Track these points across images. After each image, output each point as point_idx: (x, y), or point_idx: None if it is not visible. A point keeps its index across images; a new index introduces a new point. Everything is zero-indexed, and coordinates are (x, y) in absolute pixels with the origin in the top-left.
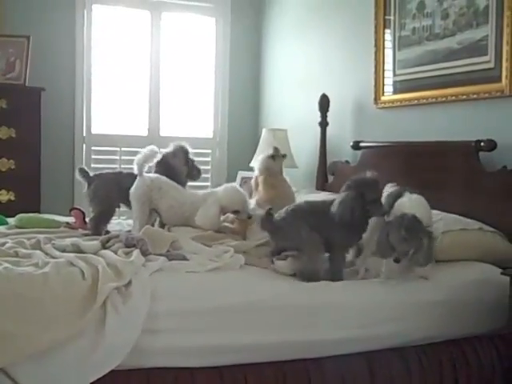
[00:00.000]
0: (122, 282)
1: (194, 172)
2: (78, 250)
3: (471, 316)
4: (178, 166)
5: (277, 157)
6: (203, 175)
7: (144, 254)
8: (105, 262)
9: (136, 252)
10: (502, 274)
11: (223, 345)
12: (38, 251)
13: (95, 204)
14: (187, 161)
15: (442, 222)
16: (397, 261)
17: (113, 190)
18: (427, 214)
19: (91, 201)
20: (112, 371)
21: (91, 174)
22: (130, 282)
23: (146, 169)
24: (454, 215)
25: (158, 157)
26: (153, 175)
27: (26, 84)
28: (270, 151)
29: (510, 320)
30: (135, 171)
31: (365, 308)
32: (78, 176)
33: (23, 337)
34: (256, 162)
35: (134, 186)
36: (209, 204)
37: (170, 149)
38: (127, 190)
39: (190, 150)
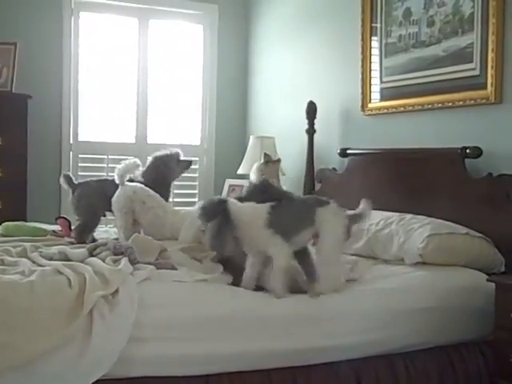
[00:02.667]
0: (109, 290)
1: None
2: (65, 257)
3: (458, 323)
4: (174, 171)
5: (269, 162)
6: (191, 183)
7: (132, 262)
8: (92, 270)
9: (124, 260)
10: (487, 280)
11: (210, 353)
12: (24, 259)
13: (79, 213)
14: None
15: (429, 225)
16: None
17: (97, 199)
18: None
19: (75, 209)
20: (98, 380)
21: (75, 181)
22: (117, 291)
23: (127, 179)
24: (441, 220)
25: (141, 169)
26: (136, 186)
27: (13, 91)
28: (262, 158)
29: (496, 327)
30: (116, 181)
31: (351, 316)
32: (62, 182)
33: (9, 346)
34: (251, 172)
35: (115, 195)
36: (187, 226)
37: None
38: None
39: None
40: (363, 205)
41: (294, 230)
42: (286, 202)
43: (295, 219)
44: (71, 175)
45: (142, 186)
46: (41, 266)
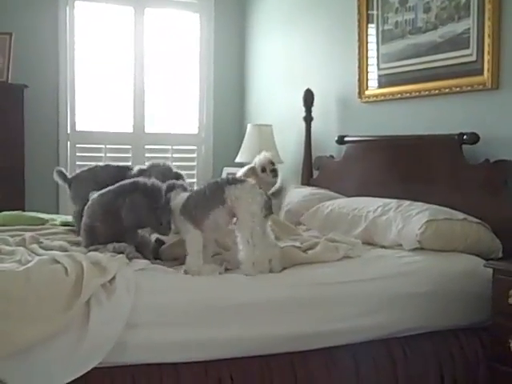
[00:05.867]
0: (106, 277)
1: None
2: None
3: (455, 308)
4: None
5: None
6: (189, 172)
7: (129, 259)
8: (89, 260)
9: (121, 255)
10: (484, 266)
11: (208, 339)
12: (21, 248)
13: (75, 203)
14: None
15: (427, 211)
16: None
17: (91, 188)
18: None
19: (74, 203)
20: (96, 368)
21: (68, 175)
22: (114, 277)
23: None
24: (438, 206)
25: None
26: None
27: (9, 81)
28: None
29: (494, 312)
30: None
31: (349, 300)
32: (55, 178)
33: (6, 333)
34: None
35: None
36: None
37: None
38: (105, 183)
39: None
40: (279, 182)
41: (202, 214)
42: (201, 187)
43: (203, 202)
44: (63, 170)
45: None
46: (38, 255)
